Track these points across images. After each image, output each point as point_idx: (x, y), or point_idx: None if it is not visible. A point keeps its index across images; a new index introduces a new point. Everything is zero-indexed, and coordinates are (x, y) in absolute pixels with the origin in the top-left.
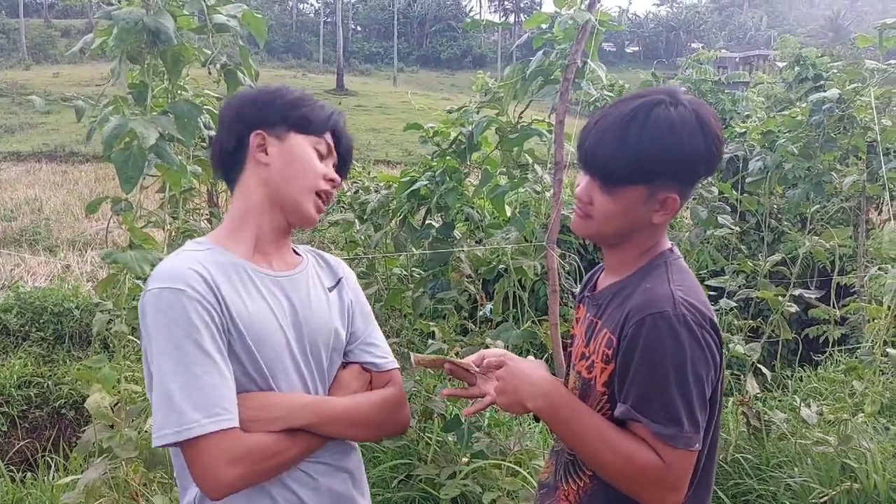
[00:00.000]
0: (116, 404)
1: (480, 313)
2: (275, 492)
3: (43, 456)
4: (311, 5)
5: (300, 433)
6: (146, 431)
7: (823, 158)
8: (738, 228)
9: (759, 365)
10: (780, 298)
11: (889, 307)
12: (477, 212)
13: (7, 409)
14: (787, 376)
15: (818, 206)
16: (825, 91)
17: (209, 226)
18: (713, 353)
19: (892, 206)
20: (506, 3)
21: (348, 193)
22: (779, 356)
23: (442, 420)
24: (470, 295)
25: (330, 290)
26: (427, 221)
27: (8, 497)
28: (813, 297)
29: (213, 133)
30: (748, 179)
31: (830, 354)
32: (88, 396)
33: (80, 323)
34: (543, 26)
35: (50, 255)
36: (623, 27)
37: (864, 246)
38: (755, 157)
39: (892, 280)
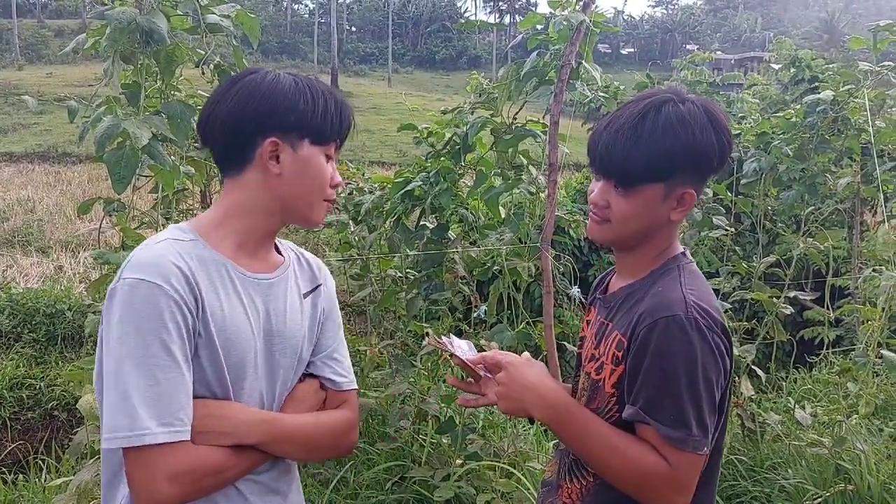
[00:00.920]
0: None
1: (475, 315)
2: None
3: (35, 458)
4: (306, 6)
5: (248, 450)
6: None
7: (818, 160)
8: (732, 230)
9: (753, 366)
10: (774, 300)
11: (883, 309)
12: (471, 213)
13: None
14: (782, 378)
15: (813, 207)
16: (820, 93)
17: None
18: (723, 358)
19: (886, 207)
20: (501, 4)
21: (343, 195)
22: (773, 358)
23: (436, 422)
24: (464, 296)
25: (305, 295)
26: (421, 222)
27: (0, 499)
28: (807, 298)
29: None
30: (743, 181)
31: (825, 356)
32: (80, 398)
33: (72, 324)
34: (538, 27)
35: (42, 256)
36: (618, 29)
37: (858, 248)
38: (750, 158)
39: (887, 282)
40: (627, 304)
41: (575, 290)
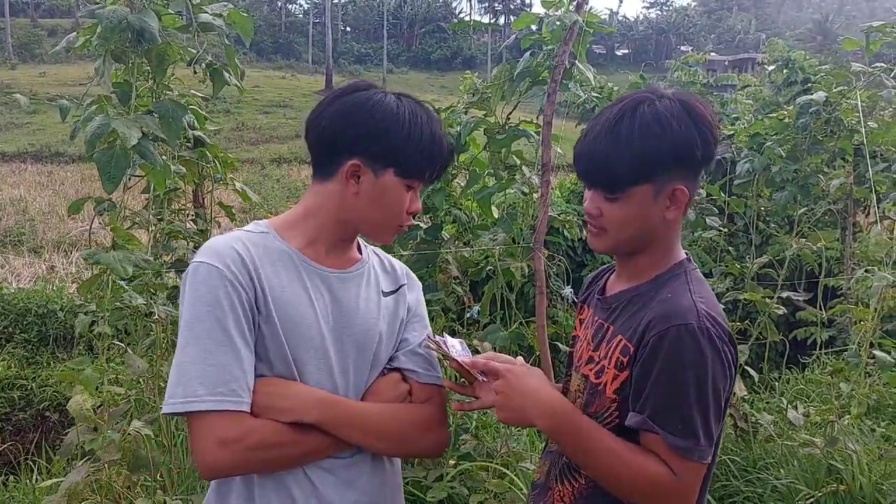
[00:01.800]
0: (99, 406)
1: (468, 315)
2: (271, 490)
3: (26, 459)
4: (300, 6)
5: (310, 430)
6: (129, 434)
7: (810, 161)
8: (725, 230)
9: (746, 367)
10: (767, 300)
11: (875, 309)
12: (464, 213)
13: None
14: (775, 378)
15: (805, 208)
16: (812, 94)
17: (194, 226)
18: (730, 367)
19: (878, 208)
20: (495, 4)
21: None
22: (766, 358)
23: None
24: (457, 296)
25: (385, 294)
26: (414, 222)
27: None
28: (800, 299)
29: (197, 133)
30: (736, 182)
31: (817, 356)
32: (71, 398)
33: (64, 324)
34: (532, 27)
35: (34, 256)
36: (613, 29)
37: (851, 248)
38: (743, 159)
39: (879, 282)
40: (632, 308)
41: (568, 291)
